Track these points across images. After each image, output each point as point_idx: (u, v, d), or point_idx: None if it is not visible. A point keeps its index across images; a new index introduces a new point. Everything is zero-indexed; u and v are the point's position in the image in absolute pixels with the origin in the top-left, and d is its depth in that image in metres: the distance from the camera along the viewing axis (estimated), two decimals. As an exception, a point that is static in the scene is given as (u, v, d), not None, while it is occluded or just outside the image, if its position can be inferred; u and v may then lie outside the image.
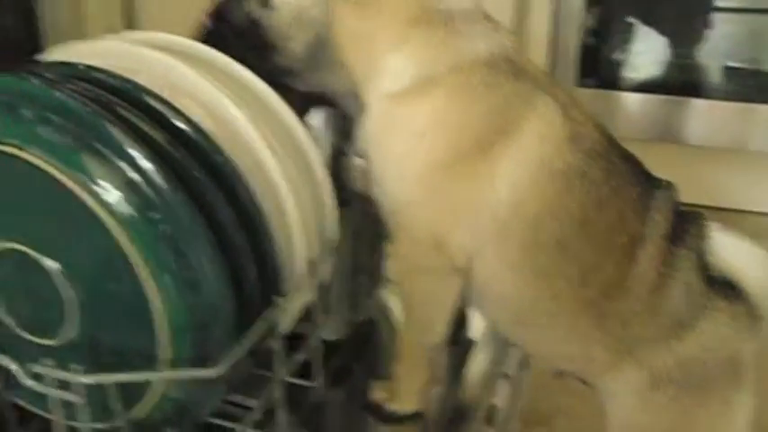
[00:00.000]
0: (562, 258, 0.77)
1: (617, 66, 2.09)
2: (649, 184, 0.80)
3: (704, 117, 2.06)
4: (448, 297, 0.80)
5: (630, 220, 0.78)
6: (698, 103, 2.05)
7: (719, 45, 2.06)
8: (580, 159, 0.76)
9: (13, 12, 1.28)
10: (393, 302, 1.06)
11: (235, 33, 0.73)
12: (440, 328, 0.82)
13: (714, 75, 2.11)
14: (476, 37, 0.76)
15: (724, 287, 0.77)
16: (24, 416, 0.71)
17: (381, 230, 0.96)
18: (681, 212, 0.80)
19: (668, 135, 2.08)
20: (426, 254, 0.77)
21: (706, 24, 2.07)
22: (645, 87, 2.08)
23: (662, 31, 2.11)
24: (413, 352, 0.83)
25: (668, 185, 0.81)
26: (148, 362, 0.62)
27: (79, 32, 1.28)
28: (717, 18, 2.05)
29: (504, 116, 0.75)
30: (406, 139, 0.75)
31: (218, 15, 0.77)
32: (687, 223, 0.79)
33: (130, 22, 1.28)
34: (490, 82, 0.74)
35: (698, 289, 0.77)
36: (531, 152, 0.75)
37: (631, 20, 2.12)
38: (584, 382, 0.85)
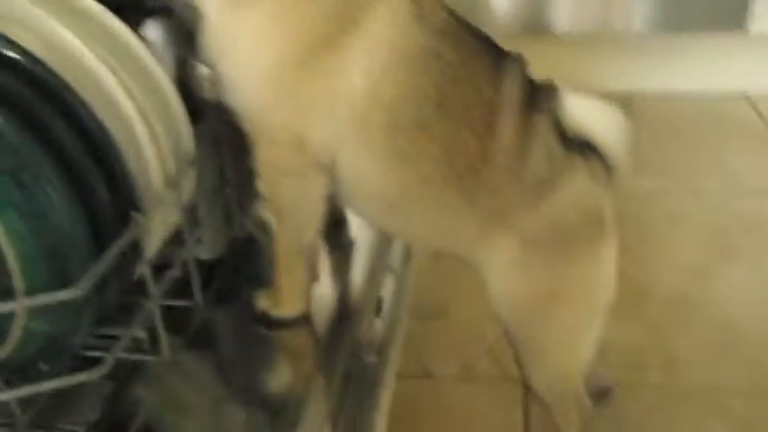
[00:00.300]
0: (424, 140, 0.77)
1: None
2: (500, 56, 0.81)
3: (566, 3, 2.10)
4: (315, 196, 0.80)
5: (485, 92, 0.79)
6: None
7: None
8: (430, 39, 0.76)
9: None
10: (269, 215, 1.06)
11: None
12: (311, 228, 0.82)
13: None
14: None
15: (580, 146, 0.80)
16: None
17: (244, 141, 0.95)
18: (533, 81, 0.81)
19: (531, 25, 2.12)
20: (288, 155, 0.76)
21: None
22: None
23: None
24: (288, 255, 0.83)
25: (518, 56, 0.82)
26: (5, 296, 0.59)
27: None
28: None
29: (347, 5, 0.74)
30: (250, 44, 0.74)
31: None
32: (540, 90, 0.81)
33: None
34: None
35: (556, 150, 0.79)
36: (381, 39, 0.74)
37: None
38: (462, 260, 0.87)
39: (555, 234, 0.82)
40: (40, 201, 0.58)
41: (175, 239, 0.78)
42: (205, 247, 0.88)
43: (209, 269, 0.89)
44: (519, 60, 0.82)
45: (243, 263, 0.95)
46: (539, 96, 0.80)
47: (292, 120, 0.75)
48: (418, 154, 0.78)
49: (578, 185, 0.81)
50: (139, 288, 0.70)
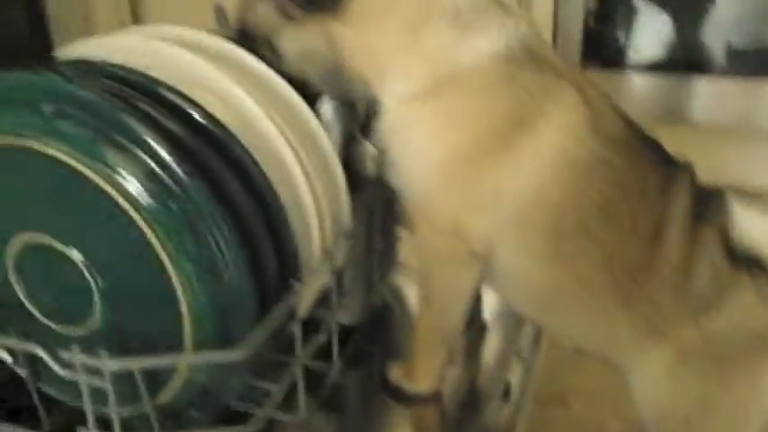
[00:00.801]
0: (585, 243, 0.77)
1: (620, 46, 2.09)
2: (669, 164, 0.81)
3: (709, 95, 2.06)
4: (467, 283, 0.81)
5: (653, 201, 0.79)
6: (702, 82, 2.05)
7: (722, 23, 2.06)
8: (601, 146, 0.77)
9: (21, 7, 1.29)
10: (406, 286, 1.08)
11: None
12: (459, 314, 0.84)
13: (718, 53, 2.11)
14: (489, 29, 0.75)
15: (748, 262, 0.78)
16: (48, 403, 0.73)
17: (394, 215, 0.98)
18: (702, 190, 0.81)
19: (673, 114, 2.08)
20: (446, 242, 0.78)
21: (708, 1, 2.07)
22: (649, 67, 2.08)
23: (665, 10, 2.11)
24: (431, 335, 0.84)
25: (687, 165, 0.82)
26: (173, 347, 0.63)
27: (87, 29, 1.29)
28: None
29: (524, 108, 0.75)
30: (425, 137, 0.76)
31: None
32: (709, 201, 0.80)
33: (137, 20, 1.29)
34: (509, 75, 0.75)
35: (723, 266, 0.78)
36: (553, 143, 0.75)
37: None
38: (606, 361, 0.86)
39: (713, 352, 0.79)
40: (214, 257, 0.61)
41: (319, 302, 0.82)
42: (347, 313, 0.91)
43: (344, 332, 0.92)
44: (689, 169, 0.81)
45: (377, 329, 0.97)
46: (707, 206, 0.79)
47: (455, 210, 0.77)
48: (578, 257, 0.78)
49: (743, 305, 0.78)
50: (285, 344, 0.73)
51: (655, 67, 2.07)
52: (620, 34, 2.10)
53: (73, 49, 0.74)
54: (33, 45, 1.27)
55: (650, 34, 2.10)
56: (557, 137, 0.76)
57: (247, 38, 0.77)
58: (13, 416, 0.69)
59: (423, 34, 0.75)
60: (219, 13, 0.95)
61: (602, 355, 0.87)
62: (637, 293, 0.79)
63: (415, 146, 0.77)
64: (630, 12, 2.10)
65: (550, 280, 0.80)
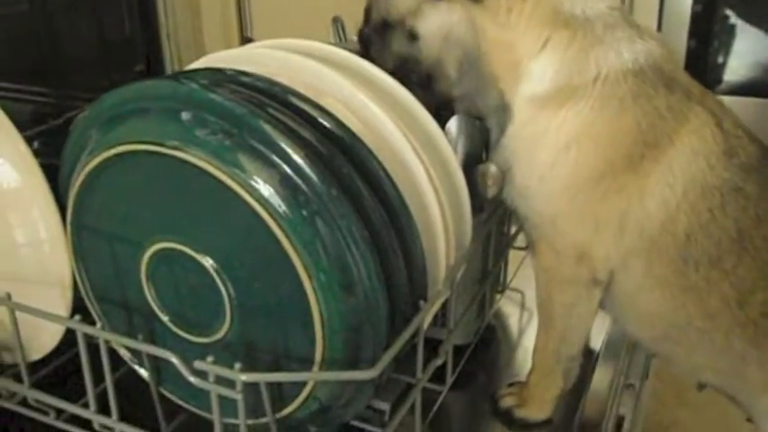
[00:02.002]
0: (716, 276, 0.74)
1: (721, 69, 2.03)
2: None
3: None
4: (588, 309, 0.79)
5: None
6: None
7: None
8: (735, 174, 0.73)
9: (135, 20, 1.32)
10: (508, 308, 1.06)
11: (397, 77, 0.72)
12: (577, 340, 0.82)
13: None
14: (619, 44, 0.73)
15: None
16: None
17: (509, 238, 0.96)
18: None
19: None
20: (569, 266, 0.76)
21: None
22: (749, 90, 2.02)
23: (766, 32, 2.04)
24: (548, 362, 0.82)
25: None
26: (302, 362, 0.62)
27: (196, 42, 1.32)
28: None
29: (654, 130, 0.72)
30: (552, 151, 0.74)
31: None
32: None
33: (245, 35, 1.30)
34: (639, 93, 0.72)
35: None
36: (683, 167, 0.72)
37: (734, 20, 2.05)
38: (732, 399, 0.83)
39: None
40: (350, 269, 0.60)
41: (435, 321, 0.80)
42: (461, 334, 0.90)
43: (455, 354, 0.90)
44: None
45: (483, 350, 0.95)
46: None
47: (580, 234, 0.75)
48: (707, 289, 0.75)
49: None
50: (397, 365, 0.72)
51: (756, 91, 2.01)
52: (721, 56, 2.04)
53: (204, 62, 0.75)
54: (148, 57, 1.30)
55: (750, 56, 2.03)
56: (688, 161, 0.73)
57: (381, 26, 0.75)
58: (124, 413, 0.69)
59: (555, 37, 0.73)
60: (336, 25, 0.95)
61: (728, 393, 0.83)
62: None
63: (541, 163, 0.74)
64: (731, 33, 2.04)
65: (678, 311, 0.77)
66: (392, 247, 0.63)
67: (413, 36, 0.75)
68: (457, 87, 0.77)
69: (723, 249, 0.74)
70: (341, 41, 0.93)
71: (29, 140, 0.74)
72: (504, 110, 0.76)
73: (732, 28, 2.07)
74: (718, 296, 0.75)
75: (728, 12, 2.08)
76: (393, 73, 0.71)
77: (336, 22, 0.94)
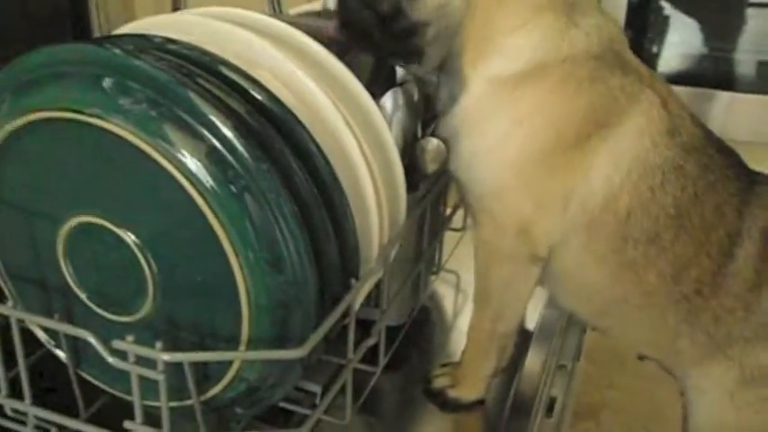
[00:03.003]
0: (654, 253, 0.75)
1: (655, 58, 2.07)
2: (748, 178, 0.79)
3: (739, 111, 2.03)
4: (525, 286, 0.79)
5: (728, 215, 0.76)
6: (732, 97, 2.02)
7: (754, 40, 2.04)
8: (676, 153, 0.75)
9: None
10: (443, 289, 1.06)
11: (378, 20, 0.72)
12: (513, 317, 0.82)
13: (748, 69, 2.09)
14: (590, 29, 0.74)
15: None
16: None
17: (444, 218, 0.95)
18: None
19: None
20: (510, 240, 0.76)
21: (742, 19, 2.05)
22: (680, 80, 2.06)
23: (698, 24, 2.08)
24: (483, 339, 0.82)
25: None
26: (228, 342, 0.60)
27: (126, 12, 1.27)
28: (751, 13, 2.03)
29: (606, 110, 0.73)
30: (504, 125, 0.74)
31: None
32: None
33: (177, 4, 1.26)
34: (596, 76, 0.73)
35: None
36: (629, 146, 0.73)
37: (669, 11, 2.09)
38: (669, 372, 0.85)
39: None
40: (277, 246, 0.58)
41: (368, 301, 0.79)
42: (394, 315, 0.88)
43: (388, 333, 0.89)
44: None
45: (417, 332, 0.94)
46: None
47: (523, 208, 0.75)
48: (645, 265, 0.75)
49: None
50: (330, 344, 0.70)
51: (686, 81, 2.05)
52: (654, 46, 2.07)
53: (131, 28, 0.71)
54: (75, 27, 1.24)
55: (682, 47, 2.07)
56: (634, 140, 0.74)
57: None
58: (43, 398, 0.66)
59: (539, 18, 0.73)
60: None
61: (664, 366, 0.85)
62: (702, 309, 0.77)
63: (491, 137, 0.74)
64: (665, 23, 2.08)
65: (616, 287, 0.78)
66: (323, 224, 0.61)
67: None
68: (429, 47, 0.75)
69: (661, 226, 0.75)
70: (276, 13, 0.90)
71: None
72: (460, 81, 0.75)
73: (666, 19, 2.11)
74: (655, 272, 0.76)
75: (664, 3, 2.12)
76: (380, 23, 0.72)
77: (272, -7, 0.91)
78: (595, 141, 0.73)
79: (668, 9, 2.17)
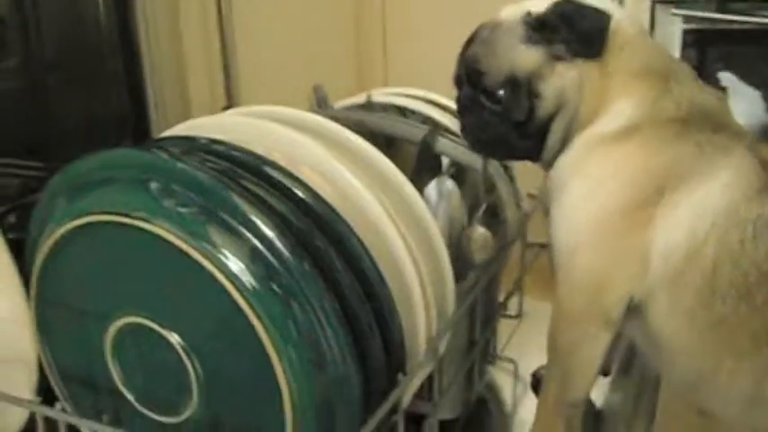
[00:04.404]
0: (745, 310, 0.71)
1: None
2: None
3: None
4: (594, 350, 0.76)
5: None
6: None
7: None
8: None
9: (123, 89, 1.32)
10: (502, 381, 1.02)
11: (513, 127, 0.77)
12: (582, 384, 0.78)
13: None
14: (682, 98, 0.75)
15: None
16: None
17: (496, 307, 0.94)
18: None
19: None
20: (582, 300, 0.74)
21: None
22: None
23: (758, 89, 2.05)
24: (550, 409, 0.79)
25: None
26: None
27: (184, 112, 1.31)
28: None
29: (690, 163, 0.73)
30: (589, 182, 0.75)
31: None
32: None
33: (230, 101, 1.30)
34: (682, 132, 0.74)
35: None
36: (716, 198, 0.72)
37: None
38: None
39: None
40: (319, 344, 0.57)
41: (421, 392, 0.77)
42: (447, 407, 0.86)
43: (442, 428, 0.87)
44: None
45: (473, 425, 0.91)
46: None
47: (600, 266, 0.74)
48: (736, 324, 0.72)
49: None
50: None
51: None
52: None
53: (180, 129, 0.74)
54: (136, 127, 1.30)
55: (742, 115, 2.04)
56: (721, 192, 0.72)
57: (502, 83, 0.77)
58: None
59: (639, 83, 0.76)
60: (318, 92, 0.95)
61: None
62: None
63: (578, 190, 0.75)
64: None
65: (706, 347, 0.74)
66: (367, 322, 0.61)
67: (535, 95, 0.77)
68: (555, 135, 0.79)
69: (752, 282, 0.71)
70: (321, 109, 0.92)
71: (8, 214, 0.73)
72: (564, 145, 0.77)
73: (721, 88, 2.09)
74: (748, 334, 0.72)
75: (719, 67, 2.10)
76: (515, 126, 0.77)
77: (317, 90, 0.93)
78: (678, 195, 0.72)
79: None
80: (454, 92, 0.82)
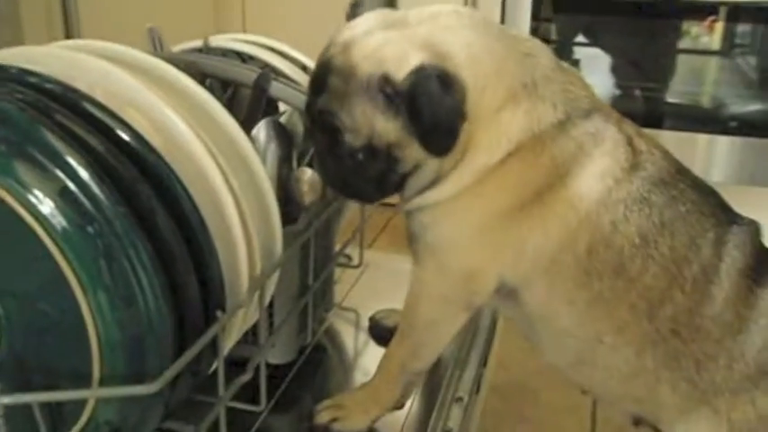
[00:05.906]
0: (622, 285, 0.74)
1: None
2: (727, 217, 0.77)
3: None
4: (450, 329, 0.80)
5: (702, 250, 0.74)
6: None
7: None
8: (639, 185, 0.74)
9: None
10: (343, 329, 1.04)
11: (376, 176, 0.75)
12: (429, 357, 0.82)
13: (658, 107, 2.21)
14: (555, 97, 0.74)
15: None
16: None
17: (332, 255, 0.94)
18: (765, 251, 0.76)
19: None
20: (451, 284, 0.77)
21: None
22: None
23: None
24: (394, 370, 0.81)
25: (751, 223, 0.78)
26: (80, 381, 0.57)
27: (15, 40, 1.24)
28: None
29: (569, 160, 0.73)
30: (472, 197, 0.74)
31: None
32: None
33: (69, 32, 1.24)
34: (558, 134, 0.73)
35: None
36: (591, 188, 0.73)
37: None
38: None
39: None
40: (131, 287, 0.56)
41: (247, 338, 0.77)
42: (277, 352, 0.86)
43: (275, 373, 0.87)
44: (752, 227, 0.78)
45: (310, 371, 0.92)
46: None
47: (476, 257, 0.76)
48: (614, 299, 0.74)
49: None
50: (204, 384, 0.68)
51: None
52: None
53: None
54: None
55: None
56: (595, 182, 0.73)
57: (366, 148, 0.74)
58: None
59: (507, 110, 0.73)
60: (153, 33, 0.92)
61: (651, 423, 0.82)
62: (681, 353, 0.74)
63: (460, 206, 0.75)
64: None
65: (586, 327, 0.76)
66: (182, 260, 0.60)
67: (394, 159, 0.74)
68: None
69: (626, 257, 0.73)
70: (157, 50, 0.89)
71: None
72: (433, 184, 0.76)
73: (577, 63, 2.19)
74: (626, 307, 0.74)
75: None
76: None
77: (152, 32, 0.90)
78: (556, 193, 0.73)
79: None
80: (312, 49, 0.80)
